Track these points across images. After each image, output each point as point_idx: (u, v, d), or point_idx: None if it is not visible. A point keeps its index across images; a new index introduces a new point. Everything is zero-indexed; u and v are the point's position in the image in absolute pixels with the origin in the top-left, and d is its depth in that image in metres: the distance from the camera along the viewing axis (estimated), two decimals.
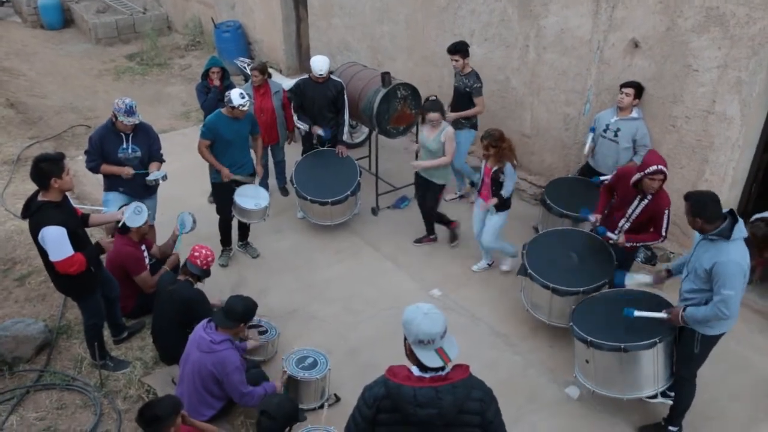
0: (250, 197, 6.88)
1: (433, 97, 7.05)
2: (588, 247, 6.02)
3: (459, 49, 7.46)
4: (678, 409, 5.07)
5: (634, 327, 5.02)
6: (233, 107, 6.52)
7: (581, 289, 5.70)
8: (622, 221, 5.73)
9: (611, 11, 6.78)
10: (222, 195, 6.94)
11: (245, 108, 6.55)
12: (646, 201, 5.53)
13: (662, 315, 4.88)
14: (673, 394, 5.11)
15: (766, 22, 5.68)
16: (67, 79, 12.64)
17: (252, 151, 7.16)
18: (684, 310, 4.69)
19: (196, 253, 5.59)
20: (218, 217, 7.13)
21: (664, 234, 5.55)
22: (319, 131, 7.73)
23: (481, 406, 3.03)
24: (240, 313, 4.98)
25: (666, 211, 5.48)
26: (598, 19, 6.93)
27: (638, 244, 5.83)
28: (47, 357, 5.86)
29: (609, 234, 5.76)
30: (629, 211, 5.65)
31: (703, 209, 4.45)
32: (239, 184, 6.88)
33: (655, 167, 5.30)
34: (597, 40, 7.01)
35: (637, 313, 4.98)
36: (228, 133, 6.66)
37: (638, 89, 6.63)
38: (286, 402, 4.35)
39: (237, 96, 6.51)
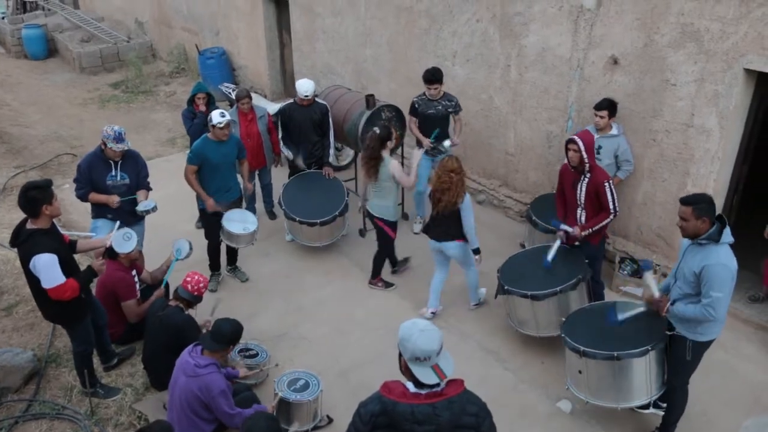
0: (237, 222, 6.89)
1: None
2: (557, 254, 6.08)
3: (438, 78, 7.43)
4: (670, 418, 5.10)
5: (625, 335, 5.06)
6: (213, 126, 6.59)
7: (558, 288, 5.78)
8: (578, 211, 5.92)
9: (590, 29, 6.92)
10: (210, 220, 6.96)
11: (222, 126, 6.59)
12: (586, 180, 5.78)
13: (642, 308, 4.98)
14: (665, 405, 5.16)
15: (738, 36, 5.82)
16: (52, 109, 12.65)
17: (239, 176, 7.20)
18: (672, 303, 4.74)
19: (188, 278, 5.59)
20: (206, 242, 7.13)
21: (612, 208, 5.74)
22: (299, 164, 7.88)
23: (477, 420, 3.06)
24: (228, 335, 4.96)
25: (606, 184, 5.70)
26: (578, 37, 7.06)
27: (594, 229, 5.86)
28: (36, 386, 5.81)
29: (565, 227, 5.94)
30: (577, 195, 5.86)
31: (709, 209, 4.48)
32: (227, 208, 6.91)
33: (568, 138, 5.73)
34: (577, 58, 7.14)
35: (621, 317, 5.07)
36: (215, 157, 6.70)
37: (612, 108, 6.69)
38: (272, 422, 4.32)
39: (217, 115, 6.60)
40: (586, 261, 6.00)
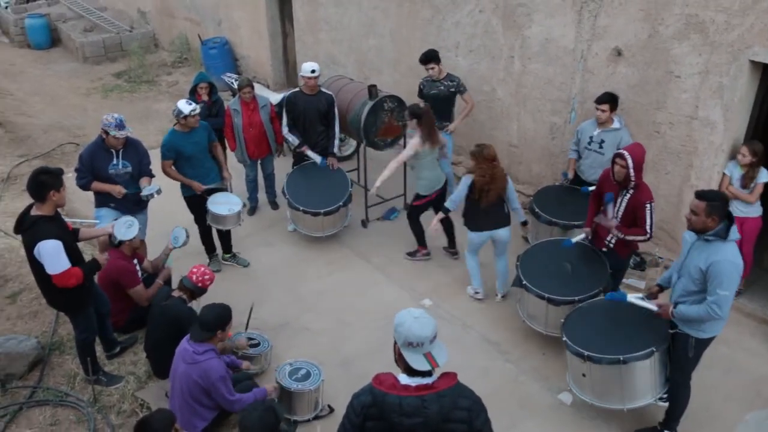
0: (222, 204, 6.98)
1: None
2: (581, 256, 6.03)
3: (431, 57, 7.64)
4: (674, 413, 5.09)
5: (627, 334, 5.03)
6: (186, 117, 6.57)
7: (576, 297, 5.70)
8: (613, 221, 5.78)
9: (594, 20, 6.89)
10: (196, 206, 7.04)
11: (196, 113, 6.60)
12: (628, 195, 5.56)
13: (653, 307, 4.92)
14: (666, 396, 5.12)
15: (744, 28, 5.79)
16: (55, 98, 12.64)
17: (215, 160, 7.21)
18: (675, 306, 4.71)
19: (194, 270, 5.61)
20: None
21: (648, 230, 5.50)
22: (310, 153, 7.81)
23: (469, 415, 3.01)
24: (213, 322, 4.95)
25: (647, 205, 5.46)
26: (581, 28, 7.03)
27: (629, 238, 5.68)
28: (40, 373, 5.85)
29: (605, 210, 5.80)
30: (615, 208, 5.69)
31: (722, 208, 4.43)
32: (210, 192, 6.97)
33: (617, 151, 5.51)
34: (581, 49, 7.11)
35: (629, 299, 5.05)
36: (188, 147, 6.73)
37: (613, 102, 6.63)
38: (266, 413, 4.30)
39: (184, 104, 6.60)
40: (610, 272, 5.86)
